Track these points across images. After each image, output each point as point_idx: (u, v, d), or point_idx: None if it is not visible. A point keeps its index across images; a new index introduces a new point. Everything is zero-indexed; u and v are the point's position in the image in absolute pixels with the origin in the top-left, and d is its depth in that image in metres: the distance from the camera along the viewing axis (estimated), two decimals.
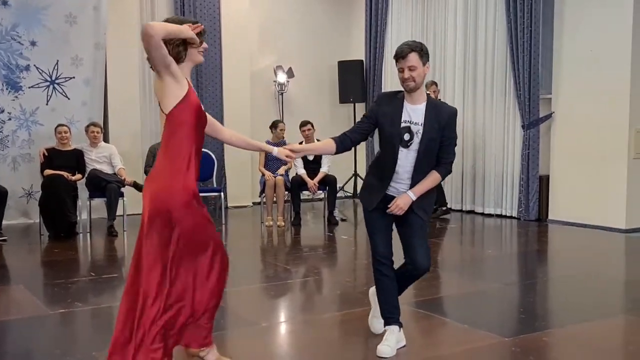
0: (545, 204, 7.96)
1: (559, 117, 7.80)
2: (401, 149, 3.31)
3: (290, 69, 9.82)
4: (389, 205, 3.33)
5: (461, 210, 8.83)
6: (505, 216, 8.28)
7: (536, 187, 7.91)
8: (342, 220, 8.14)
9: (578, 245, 6.76)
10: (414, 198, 3.31)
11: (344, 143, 3.42)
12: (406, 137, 3.30)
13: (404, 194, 3.33)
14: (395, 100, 3.38)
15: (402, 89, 3.37)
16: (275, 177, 7.79)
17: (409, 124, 3.31)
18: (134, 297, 2.79)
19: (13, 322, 4.08)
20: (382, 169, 3.42)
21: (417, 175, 3.34)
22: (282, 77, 9.84)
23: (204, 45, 2.85)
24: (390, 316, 3.46)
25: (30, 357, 3.48)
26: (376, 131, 3.49)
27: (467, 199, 8.87)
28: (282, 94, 9.96)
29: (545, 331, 3.86)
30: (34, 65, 7.93)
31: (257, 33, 9.78)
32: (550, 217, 7.89)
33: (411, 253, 3.38)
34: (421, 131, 3.29)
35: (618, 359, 3.56)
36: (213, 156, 8.69)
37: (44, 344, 3.70)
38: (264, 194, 7.94)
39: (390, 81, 9.87)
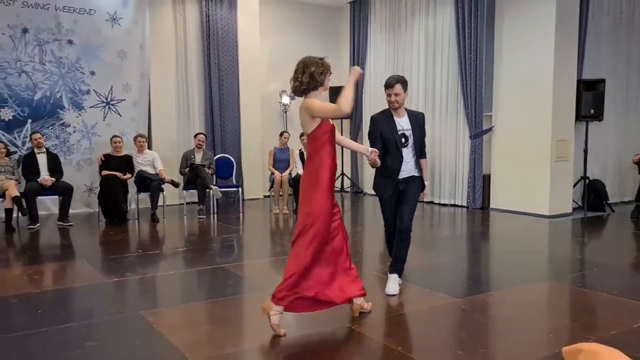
0: (487, 196, 7.98)
1: (498, 129, 7.82)
2: (403, 149, 3.77)
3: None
4: (424, 193, 4.00)
5: (423, 202, 8.85)
6: (457, 205, 8.31)
7: (481, 183, 7.94)
8: None
9: (513, 228, 6.79)
10: (428, 182, 4.03)
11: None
12: (403, 140, 3.78)
13: (426, 186, 3.99)
14: (387, 117, 3.80)
15: (385, 109, 3.86)
16: (282, 175, 7.81)
17: (403, 131, 3.78)
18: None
19: (78, 288, 4.08)
20: (390, 167, 3.77)
21: (416, 160, 3.88)
22: (286, 99, 9.84)
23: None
24: (397, 267, 3.88)
25: (92, 315, 3.47)
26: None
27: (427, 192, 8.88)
28: (285, 112, 9.94)
29: (488, 293, 3.89)
30: (93, 90, 7.90)
31: (266, 64, 9.76)
32: (491, 206, 7.92)
33: (401, 215, 3.82)
34: (411, 134, 3.80)
35: (544, 314, 3.58)
36: (232, 159, 8.69)
37: (102, 305, 3.71)
38: (272, 189, 7.94)
39: (369, 104, 9.89)
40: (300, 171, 7.84)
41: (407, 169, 3.83)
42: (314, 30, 10.32)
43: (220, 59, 8.91)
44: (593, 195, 7.61)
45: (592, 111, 7.24)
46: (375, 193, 4.06)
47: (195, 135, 8.04)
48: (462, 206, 8.21)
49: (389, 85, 3.70)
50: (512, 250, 5.46)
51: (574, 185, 7.55)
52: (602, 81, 7.33)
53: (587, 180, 7.49)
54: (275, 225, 7.10)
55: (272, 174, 7.93)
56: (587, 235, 6.43)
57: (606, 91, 7.37)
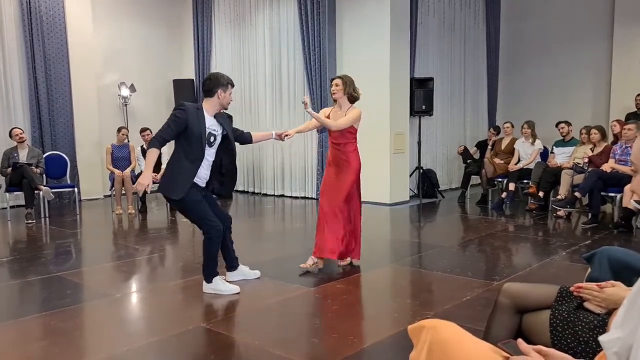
0: None
1: None
2: (208, 149, 3.60)
3: (132, 85, 9.24)
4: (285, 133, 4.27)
5: (274, 195, 8.97)
6: (308, 198, 8.56)
7: None
8: None
9: None
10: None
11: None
12: (212, 139, 3.60)
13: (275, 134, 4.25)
14: (198, 111, 3.54)
15: (196, 104, 3.64)
16: (122, 173, 7.33)
17: (209, 130, 3.58)
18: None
19: None
20: (190, 166, 3.53)
21: (214, 166, 3.74)
22: (125, 92, 9.23)
23: None
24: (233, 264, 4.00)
25: None
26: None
27: (278, 186, 9.03)
28: (126, 105, 9.34)
29: (338, 280, 4.06)
30: None
31: (102, 54, 9.06)
32: None
33: (221, 212, 3.83)
34: (219, 135, 3.66)
35: (388, 295, 3.86)
36: (65, 157, 7.93)
37: None
38: (113, 188, 7.41)
39: None
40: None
41: (204, 175, 3.64)
42: (155, 19, 9.82)
43: (46, 46, 8.05)
44: (426, 183, 8.39)
45: (423, 107, 7.98)
46: (178, 197, 3.50)
47: (10, 132, 7.16)
48: (312, 198, 8.48)
49: (233, 85, 3.71)
50: None
51: (410, 175, 8.25)
52: (431, 79, 8.10)
53: (421, 170, 8.24)
54: (118, 227, 6.64)
55: (112, 173, 7.41)
56: (423, 220, 7.07)
57: (435, 88, 8.16)
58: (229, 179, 3.81)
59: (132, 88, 9.25)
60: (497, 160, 7.74)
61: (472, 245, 5.31)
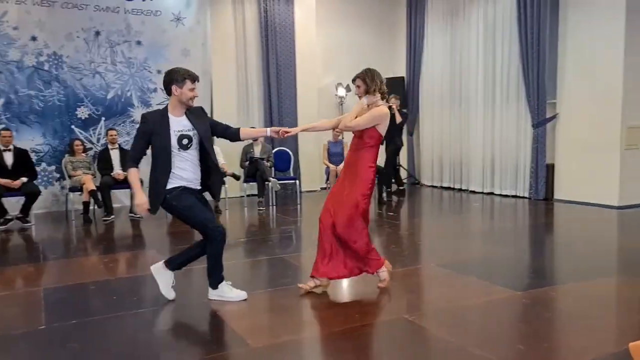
0: (551, 187, 7.65)
1: (562, 117, 7.47)
2: (183, 152, 3.36)
3: (348, 85, 9.78)
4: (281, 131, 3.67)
5: (482, 192, 8.60)
6: (519, 196, 8.01)
7: (544, 173, 7.62)
8: (388, 200, 8.08)
9: (579, 220, 6.48)
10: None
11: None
12: (185, 142, 3.35)
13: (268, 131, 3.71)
14: (162, 117, 3.34)
15: (161, 109, 3.44)
16: (336, 167, 7.84)
17: (182, 132, 3.34)
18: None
19: (148, 276, 4.10)
20: (161, 176, 3.31)
21: (203, 166, 3.51)
22: (341, 92, 9.82)
23: None
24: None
25: (160, 301, 3.56)
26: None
27: (487, 183, 8.63)
28: (342, 104, 9.93)
29: (551, 287, 3.75)
30: (160, 88, 8.18)
31: (322, 57, 9.78)
32: (555, 196, 7.59)
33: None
34: (195, 135, 3.39)
35: (612, 309, 3.42)
36: (290, 152, 8.79)
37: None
38: (328, 181, 7.98)
39: (425, 93, 9.71)
40: None
41: (193, 177, 3.40)
42: (370, 20, 10.22)
43: (279, 54, 9.02)
44: None
45: None
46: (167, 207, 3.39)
47: None
48: (523, 197, 7.90)
49: (196, 78, 3.36)
50: (578, 242, 5.21)
51: None
52: None
53: None
54: None
55: (327, 167, 7.98)
56: None
57: None
58: (216, 177, 3.55)
59: (348, 88, 9.78)
60: None
61: None
